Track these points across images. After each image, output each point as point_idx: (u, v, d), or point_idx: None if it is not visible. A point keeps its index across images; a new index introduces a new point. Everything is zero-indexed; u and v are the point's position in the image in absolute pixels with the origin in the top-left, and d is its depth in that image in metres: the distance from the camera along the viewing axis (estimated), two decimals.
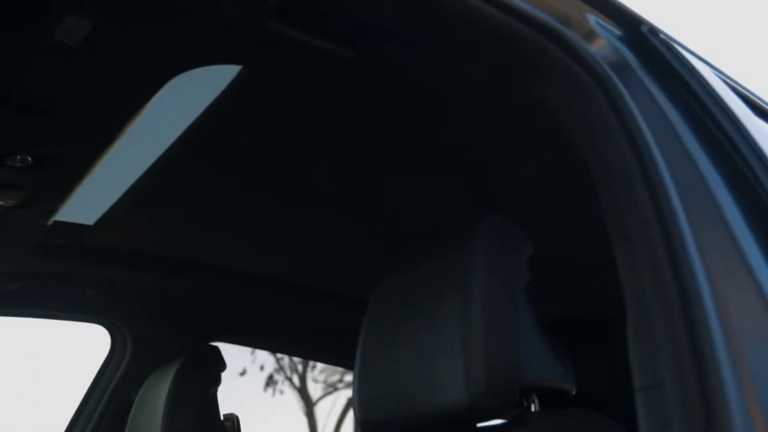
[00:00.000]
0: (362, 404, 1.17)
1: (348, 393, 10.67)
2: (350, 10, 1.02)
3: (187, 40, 1.08)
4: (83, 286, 1.97)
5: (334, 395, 10.45)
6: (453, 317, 1.05)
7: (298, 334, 2.35)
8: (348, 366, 3.08)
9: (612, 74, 0.95)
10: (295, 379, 10.29)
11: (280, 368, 10.12)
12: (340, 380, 10.55)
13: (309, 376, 10.35)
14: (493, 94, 1.16)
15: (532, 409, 1.08)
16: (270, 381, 9.94)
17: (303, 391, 10.22)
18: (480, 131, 1.29)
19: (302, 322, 2.29)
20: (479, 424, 1.10)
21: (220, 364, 1.93)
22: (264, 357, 9.64)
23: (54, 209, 1.60)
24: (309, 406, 10.22)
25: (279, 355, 9.92)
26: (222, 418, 1.90)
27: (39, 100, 1.16)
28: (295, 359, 10.19)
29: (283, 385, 10.12)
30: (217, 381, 1.90)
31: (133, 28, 1.05)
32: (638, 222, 0.79)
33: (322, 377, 10.48)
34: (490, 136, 1.32)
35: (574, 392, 1.11)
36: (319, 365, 10.45)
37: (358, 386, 1.18)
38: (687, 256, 0.73)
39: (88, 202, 1.85)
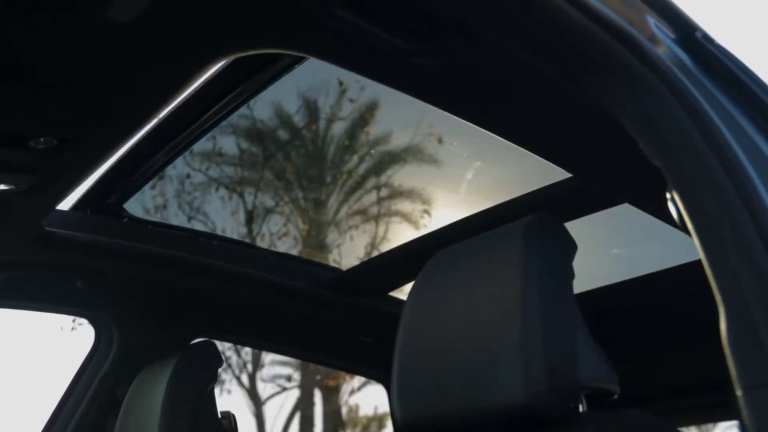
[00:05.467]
0: (402, 403, 1.15)
1: (296, 393, 10.59)
2: (416, 1, 1.01)
3: (243, 23, 1.04)
4: (74, 278, 1.90)
5: (284, 395, 10.37)
6: (509, 315, 1.03)
7: (291, 334, 2.31)
8: (342, 367, 3.06)
9: (682, 77, 0.96)
10: (244, 379, 10.17)
11: (228, 366, 9.99)
12: (289, 379, 10.49)
13: (258, 375, 10.25)
14: (549, 94, 1.15)
15: (580, 409, 1.08)
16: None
17: (252, 391, 10.11)
18: (534, 128, 1.29)
19: (296, 322, 2.26)
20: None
21: (218, 360, 1.88)
22: None
23: (58, 197, 1.53)
24: (258, 405, 10.11)
25: (227, 354, 9.78)
26: (219, 415, 1.86)
27: (76, 79, 1.11)
28: (245, 358, 10.08)
29: (231, 384, 9.99)
30: (215, 377, 1.85)
31: (188, 8, 1.01)
32: (731, 226, 0.79)
33: (271, 376, 10.38)
34: (543, 134, 1.31)
35: (618, 393, 1.12)
36: (267, 364, 10.35)
37: (399, 384, 1.16)
38: None
39: (91, 192, 1.79)
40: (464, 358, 1.08)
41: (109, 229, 1.88)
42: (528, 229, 1.09)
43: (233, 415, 1.89)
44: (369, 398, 12.22)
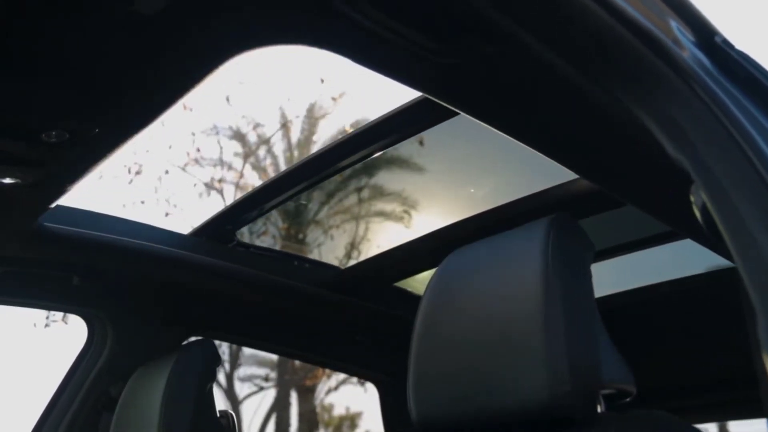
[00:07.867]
0: (419, 402, 1.15)
1: (273, 392, 10.53)
2: None
3: (264, 17, 1.02)
4: (70, 274, 1.87)
5: (261, 394, 10.30)
6: (530, 315, 1.03)
7: (288, 333, 2.30)
8: (339, 368, 3.03)
9: (706, 79, 0.96)
10: (221, 378, 10.09)
11: None
12: (266, 379, 10.42)
13: (235, 374, 10.18)
14: (566, 96, 1.15)
15: (599, 409, 1.08)
16: None
17: (229, 391, 10.03)
18: (548, 130, 1.29)
19: (294, 321, 2.24)
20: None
21: (216, 359, 1.87)
22: None
23: (60, 193, 1.50)
24: (235, 405, 10.04)
25: None
26: (218, 414, 1.84)
27: (95, 72, 1.09)
28: (222, 357, 10.00)
29: None
30: (214, 376, 1.84)
31: (212, 1, 0.99)
32: (764, 224, 0.80)
33: (248, 376, 10.31)
34: (555, 136, 1.31)
35: (635, 393, 1.12)
36: (245, 364, 10.28)
37: (415, 383, 1.16)
38: None
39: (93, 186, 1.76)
40: (483, 357, 1.07)
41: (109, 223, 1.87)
42: (549, 229, 1.09)
43: (232, 415, 1.88)
44: (342, 398, 12.20)
